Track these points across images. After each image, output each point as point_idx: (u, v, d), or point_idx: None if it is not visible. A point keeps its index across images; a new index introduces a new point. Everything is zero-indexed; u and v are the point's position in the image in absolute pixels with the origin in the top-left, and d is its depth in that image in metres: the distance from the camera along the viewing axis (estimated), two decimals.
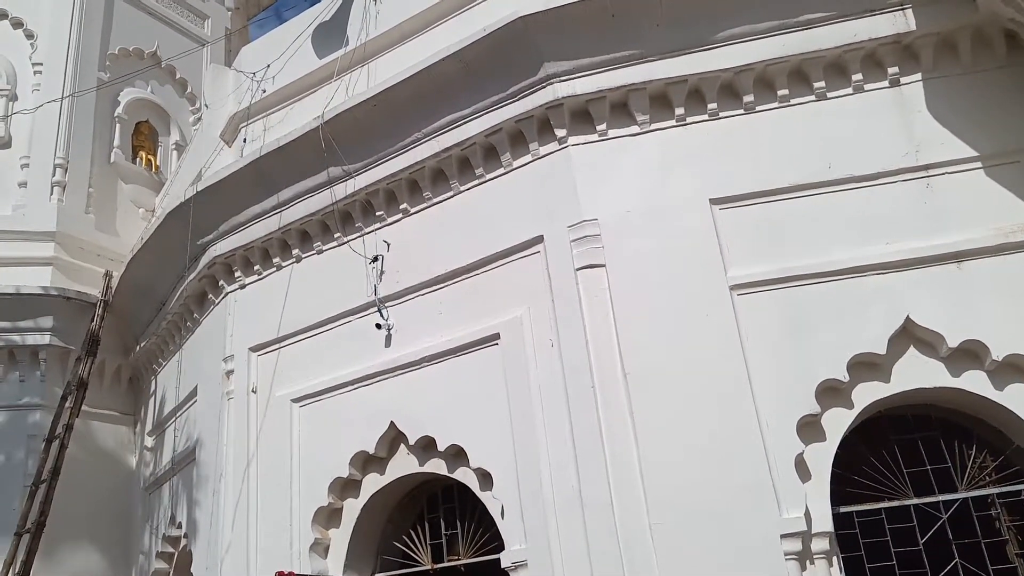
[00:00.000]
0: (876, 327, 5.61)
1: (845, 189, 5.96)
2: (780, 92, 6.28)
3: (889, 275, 5.70)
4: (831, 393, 5.61)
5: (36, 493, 8.43)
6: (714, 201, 6.09)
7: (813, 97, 6.26)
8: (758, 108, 6.30)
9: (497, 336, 6.60)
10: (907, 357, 5.65)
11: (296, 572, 6.96)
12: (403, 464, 7.20)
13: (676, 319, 5.87)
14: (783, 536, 5.27)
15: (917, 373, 5.61)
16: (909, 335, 5.66)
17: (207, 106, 10.16)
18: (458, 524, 7.20)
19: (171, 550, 9.44)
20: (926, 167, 5.91)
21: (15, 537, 8.26)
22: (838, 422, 5.59)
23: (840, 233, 5.86)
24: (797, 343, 5.64)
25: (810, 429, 5.55)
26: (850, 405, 5.62)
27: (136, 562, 10.05)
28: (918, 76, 6.14)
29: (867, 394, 5.63)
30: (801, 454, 5.47)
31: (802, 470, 5.47)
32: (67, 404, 8.93)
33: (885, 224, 5.82)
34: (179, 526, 9.04)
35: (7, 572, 8.09)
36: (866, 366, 5.64)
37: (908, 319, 5.60)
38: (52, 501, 8.31)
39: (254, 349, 8.23)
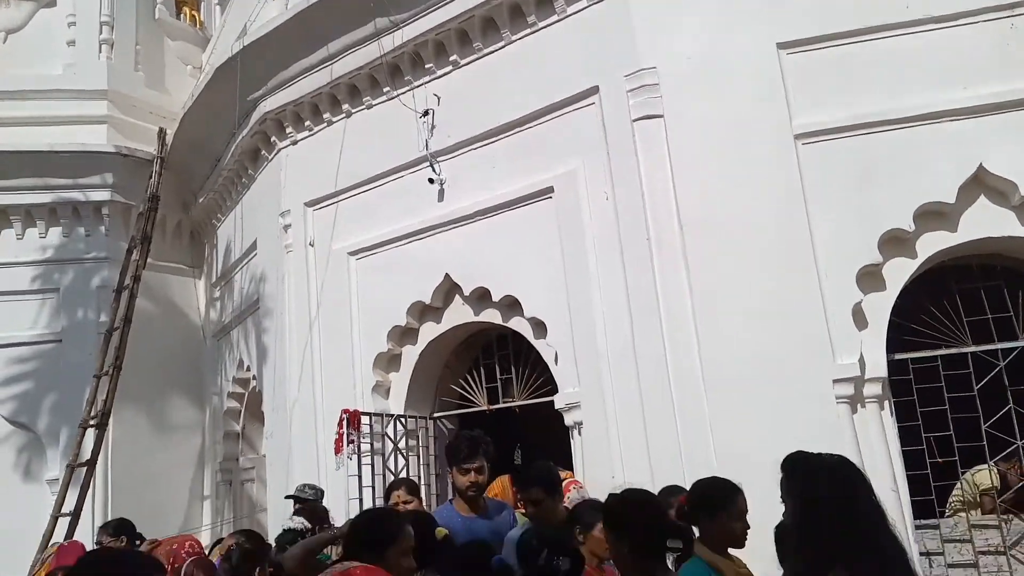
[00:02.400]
0: (947, 175, 5.19)
1: (922, 31, 5.37)
2: None
3: (964, 121, 5.21)
4: (895, 243, 5.27)
5: (111, 339, 8.44)
6: (781, 46, 5.54)
7: None
8: None
9: (551, 189, 6.28)
10: (976, 206, 5.25)
11: (361, 410, 6.95)
12: (458, 314, 7.07)
13: (736, 170, 5.47)
14: (835, 381, 5.10)
15: (986, 222, 5.24)
16: (980, 183, 5.23)
17: None
18: (512, 369, 7.12)
19: (241, 391, 9.58)
20: (1011, 6, 5.28)
21: (94, 379, 8.34)
22: (900, 272, 5.29)
23: (914, 78, 5.33)
24: (862, 193, 5.25)
25: (870, 279, 5.26)
26: (913, 255, 5.29)
27: (210, 402, 10.25)
28: None
29: (932, 244, 5.29)
30: (859, 303, 5.21)
31: (859, 319, 5.23)
32: (133, 257, 8.81)
33: (963, 68, 5.27)
34: (247, 369, 9.12)
35: (89, 411, 8.22)
36: (933, 215, 5.27)
37: (981, 167, 5.16)
38: (126, 347, 8.32)
39: (309, 204, 7.98)
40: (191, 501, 9.87)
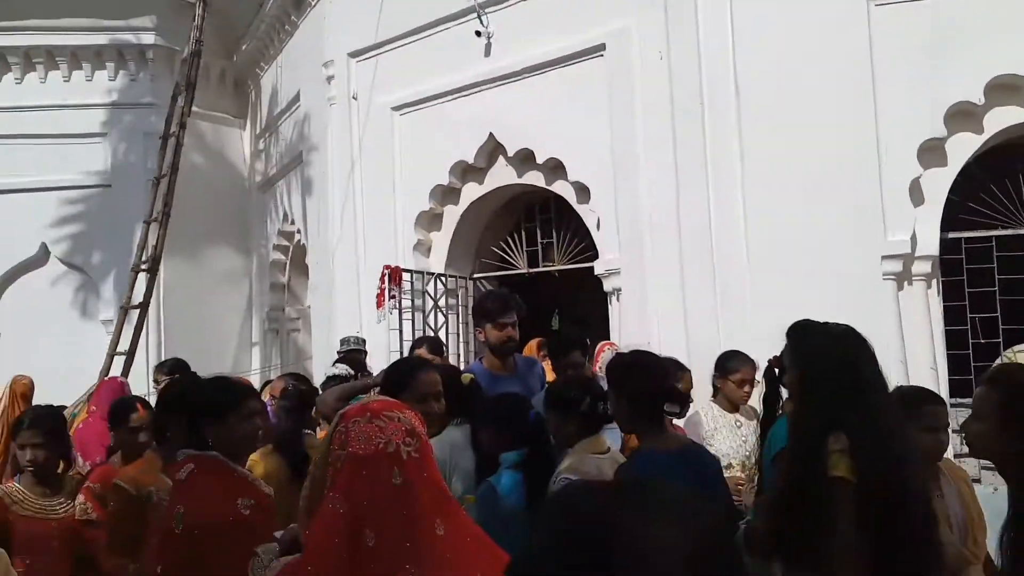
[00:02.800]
0: None
1: None
2: None
3: None
4: (962, 117, 5.02)
5: (159, 185, 8.56)
6: None
7: None
8: None
9: (603, 47, 6.07)
10: None
11: (402, 267, 7.07)
12: (501, 175, 7.03)
13: (802, 30, 5.21)
14: (884, 257, 5.03)
15: None
16: None
17: None
18: (553, 234, 7.13)
19: (286, 243, 9.77)
20: None
21: (144, 225, 8.52)
22: (963, 147, 5.07)
23: None
24: (934, 62, 4.97)
25: (932, 154, 5.06)
26: (980, 130, 5.05)
27: (257, 252, 10.45)
28: None
29: (1000, 119, 5.02)
30: (918, 178, 5.05)
31: (916, 194, 5.08)
32: (178, 104, 8.78)
33: None
34: (292, 222, 9.25)
35: (140, 256, 8.45)
36: (1005, 89, 4.97)
37: None
38: (174, 194, 8.44)
39: (352, 55, 7.82)
40: (240, 346, 10.30)
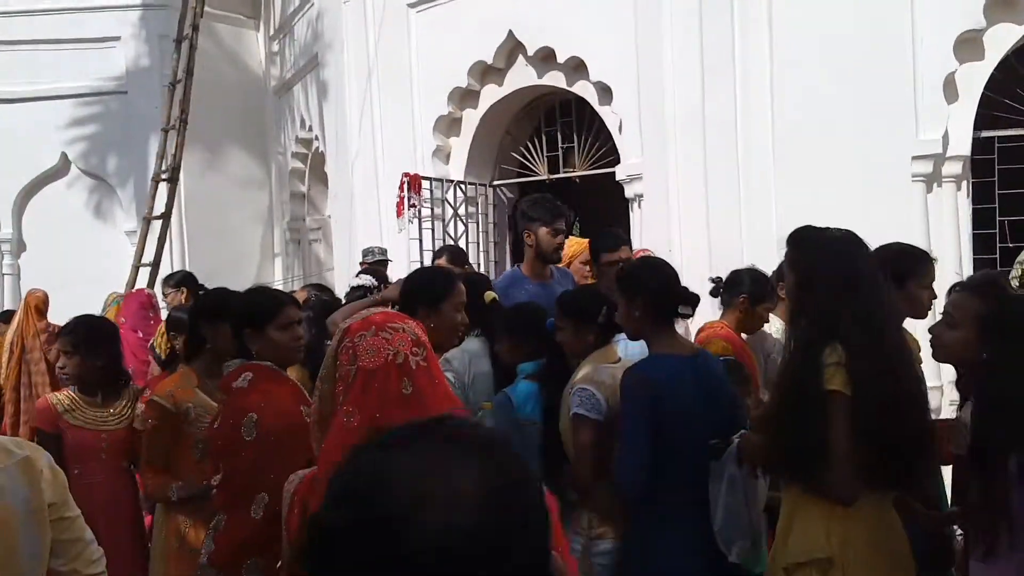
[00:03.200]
0: None
1: None
2: None
3: None
4: (1001, 6, 4.80)
5: (175, 91, 8.48)
6: None
7: None
8: None
9: None
10: None
11: (421, 174, 7.04)
12: (521, 76, 6.90)
13: None
14: (914, 158, 4.92)
15: None
16: None
17: None
18: (575, 138, 7.03)
19: (304, 151, 9.71)
20: None
21: (162, 133, 8.48)
22: (1003, 39, 4.85)
23: None
24: None
25: (969, 46, 4.86)
26: (1022, 20, 4.82)
27: (275, 160, 10.41)
28: None
29: None
30: (953, 73, 4.87)
31: (950, 91, 4.91)
32: (190, 3, 8.60)
33: None
34: (309, 129, 9.17)
35: (159, 164, 8.47)
36: None
37: None
38: (190, 100, 8.36)
39: None
40: (263, 257, 10.38)
